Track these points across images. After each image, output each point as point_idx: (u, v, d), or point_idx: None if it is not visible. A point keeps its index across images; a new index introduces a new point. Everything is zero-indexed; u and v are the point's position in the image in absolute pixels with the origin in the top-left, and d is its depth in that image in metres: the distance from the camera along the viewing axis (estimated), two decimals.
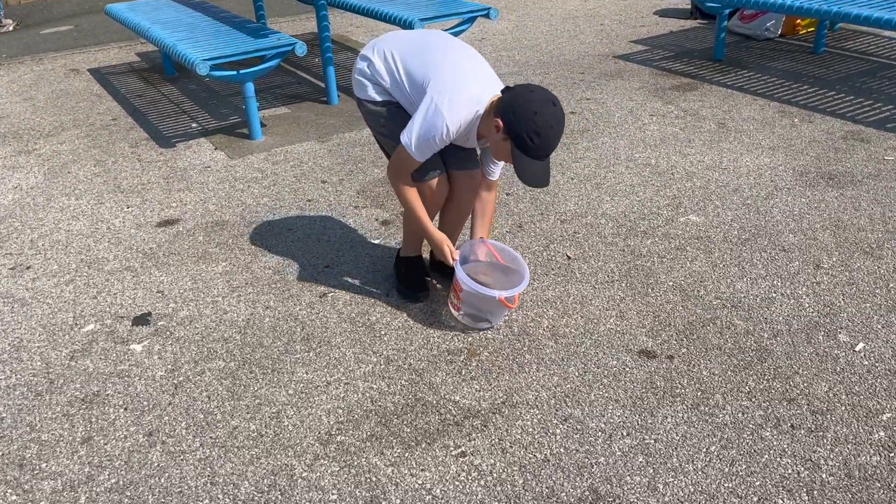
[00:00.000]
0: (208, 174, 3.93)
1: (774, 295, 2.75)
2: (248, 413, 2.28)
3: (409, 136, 2.33)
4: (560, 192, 3.59)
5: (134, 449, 2.16)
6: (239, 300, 2.84)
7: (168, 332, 2.66)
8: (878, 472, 2.00)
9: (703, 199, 3.47)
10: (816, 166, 3.74)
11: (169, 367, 2.49)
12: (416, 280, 2.82)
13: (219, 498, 1.99)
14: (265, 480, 2.04)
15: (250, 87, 4.25)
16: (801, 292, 2.76)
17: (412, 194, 2.48)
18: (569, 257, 3.05)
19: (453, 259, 2.53)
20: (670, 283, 2.85)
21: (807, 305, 2.68)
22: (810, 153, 3.88)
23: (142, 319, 2.74)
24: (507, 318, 2.66)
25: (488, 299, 2.47)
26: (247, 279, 2.97)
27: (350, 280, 2.95)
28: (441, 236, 2.55)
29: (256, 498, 1.99)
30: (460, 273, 2.47)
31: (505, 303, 2.46)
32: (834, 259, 2.96)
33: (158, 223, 3.44)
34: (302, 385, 2.39)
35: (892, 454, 2.05)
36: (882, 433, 2.12)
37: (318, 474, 2.06)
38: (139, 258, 3.15)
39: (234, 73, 4.18)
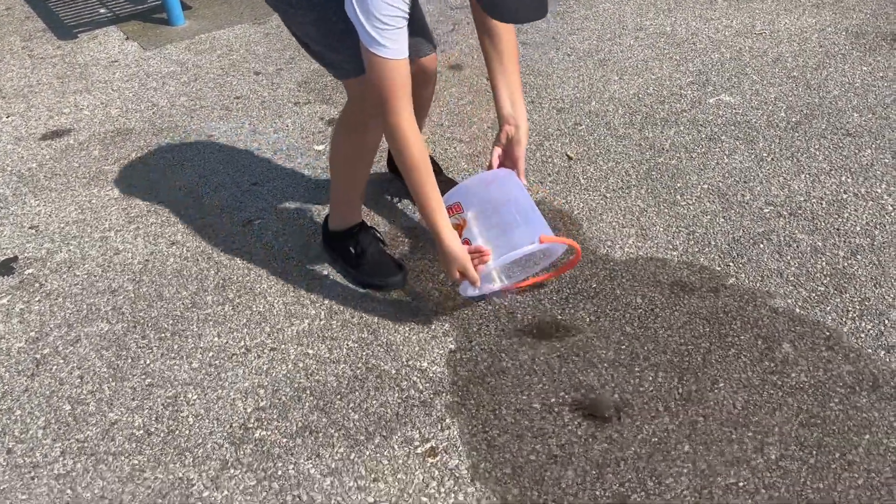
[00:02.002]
0: (114, 70, 3.14)
1: (846, 196, 2.07)
2: (133, 400, 1.63)
3: (356, 19, 1.39)
4: (555, 73, 2.83)
5: None
6: (137, 235, 2.14)
7: (37, 285, 1.98)
8: None
9: (737, 73, 2.73)
10: (874, 26, 2.97)
11: (32, 334, 1.82)
12: (375, 260, 1.89)
13: None
14: None
15: None
16: (880, 190, 2.08)
17: (408, 142, 1.48)
18: (569, 157, 2.34)
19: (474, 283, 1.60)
20: (704, 186, 2.16)
21: (891, 209, 2.01)
22: (864, 10, 3.10)
23: (4, 267, 2.05)
24: None
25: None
26: (149, 206, 2.26)
27: (284, 202, 2.24)
28: (460, 249, 1.56)
29: None
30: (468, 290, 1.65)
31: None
32: None
33: (44, 135, 2.68)
34: (211, 354, 1.73)
35: None
36: None
37: (226, 493, 1.43)
38: (12, 182, 2.42)
39: None
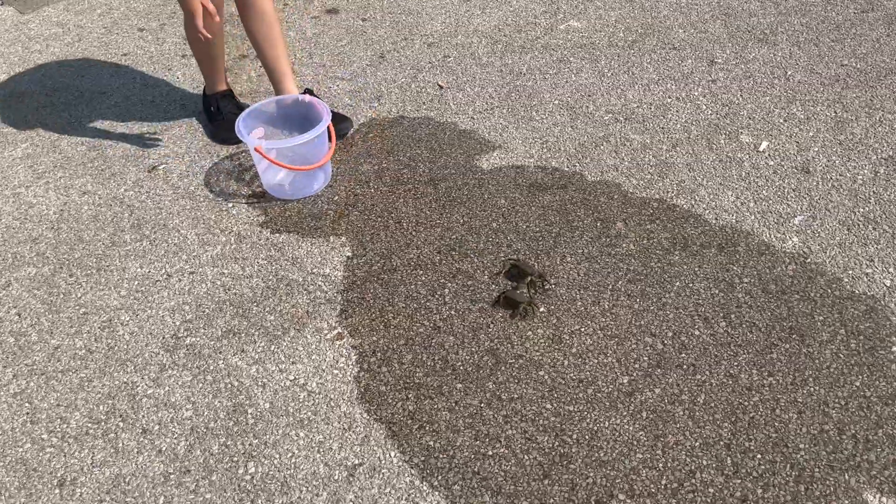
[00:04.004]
0: None
1: (669, 100, 2.47)
2: (71, 327, 1.86)
3: None
4: (423, 11, 3.09)
5: None
6: (47, 188, 2.31)
7: None
8: (795, 282, 1.82)
9: (583, 0, 3.07)
10: None
11: None
12: (228, 120, 2.39)
13: (43, 438, 1.62)
14: (101, 407, 1.67)
15: None
16: (696, 94, 2.49)
17: None
18: (441, 87, 2.64)
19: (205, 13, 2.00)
20: (556, 102, 2.51)
21: (704, 108, 2.42)
22: None
23: None
24: (346, 168, 2.27)
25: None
26: (55, 161, 2.42)
27: (184, 146, 2.44)
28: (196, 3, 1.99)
29: (91, 430, 1.62)
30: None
31: (262, 154, 2.07)
32: (728, 52, 2.68)
33: None
34: (137, 282, 1.97)
35: (808, 260, 1.87)
36: (795, 239, 1.93)
37: (167, 388, 1.70)
38: None
39: None
